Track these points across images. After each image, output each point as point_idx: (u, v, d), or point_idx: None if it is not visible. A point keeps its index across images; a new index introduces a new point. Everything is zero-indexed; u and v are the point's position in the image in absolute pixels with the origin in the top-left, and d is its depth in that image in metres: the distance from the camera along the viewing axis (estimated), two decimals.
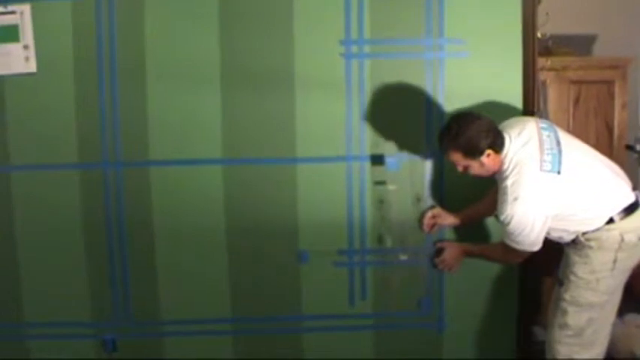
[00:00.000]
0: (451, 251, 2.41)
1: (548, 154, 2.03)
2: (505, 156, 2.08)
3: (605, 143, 2.73)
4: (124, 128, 2.44)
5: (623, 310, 2.37)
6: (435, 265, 2.47)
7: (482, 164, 2.09)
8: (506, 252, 2.18)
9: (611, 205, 2.07)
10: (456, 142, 2.06)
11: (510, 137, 2.10)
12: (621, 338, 2.51)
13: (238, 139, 2.45)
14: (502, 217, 2.05)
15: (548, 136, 2.09)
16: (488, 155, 2.07)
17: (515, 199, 2.00)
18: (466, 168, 2.13)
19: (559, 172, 2.02)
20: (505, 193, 2.03)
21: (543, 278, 2.64)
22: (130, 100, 2.43)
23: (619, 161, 2.32)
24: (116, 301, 2.52)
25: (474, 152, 2.06)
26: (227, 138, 2.45)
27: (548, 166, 2.01)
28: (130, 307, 2.53)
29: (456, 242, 2.45)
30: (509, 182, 2.03)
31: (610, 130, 2.74)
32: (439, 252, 2.45)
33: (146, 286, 2.51)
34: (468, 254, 2.40)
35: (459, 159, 2.10)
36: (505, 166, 2.08)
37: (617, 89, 2.72)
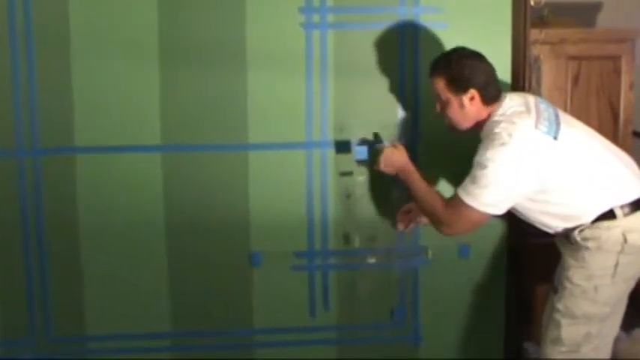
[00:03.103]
0: (391, 153, 2.16)
1: (545, 120, 1.98)
2: (497, 109, 2.04)
3: (609, 129, 2.57)
4: (44, 109, 2.30)
5: (630, 325, 2.32)
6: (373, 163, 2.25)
7: (461, 105, 2.04)
8: (448, 205, 2.01)
9: (613, 196, 1.98)
10: (447, 65, 2.04)
11: (504, 98, 2.08)
12: (628, 356, 2.41)
13: (180, 123, 2.34)
14: (479, 158, 1.95)
15: (546, 109, 2.03)
16: (472, 99, 2.02)
17: (503, 144, 1.93)
18: (444, 106, 2.07)
19: (555, 138, 1.95)
20: (492, 139, 1.95)
21: (537, 286, 2.51)
22: (50, 75, 2.29)
23: (625, 150, 2.21)
24: (32, 315, 2.39)
25: (459, 83, 2.02)
26: (167, 121, 2.33)
27: (544, 128, 1.95)
28: (50, 322, 2.40)
29: (405, 153, 2.19)
30: (498, 129, 1.96)
31: (615, 113, 2.59)
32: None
33: (69, 296, 2.39)
34: (403, 171, 2.15)
35: (440, 87, 2.06)
36: (496, 117, 2.02)
37: (623, 66, 2.55)
